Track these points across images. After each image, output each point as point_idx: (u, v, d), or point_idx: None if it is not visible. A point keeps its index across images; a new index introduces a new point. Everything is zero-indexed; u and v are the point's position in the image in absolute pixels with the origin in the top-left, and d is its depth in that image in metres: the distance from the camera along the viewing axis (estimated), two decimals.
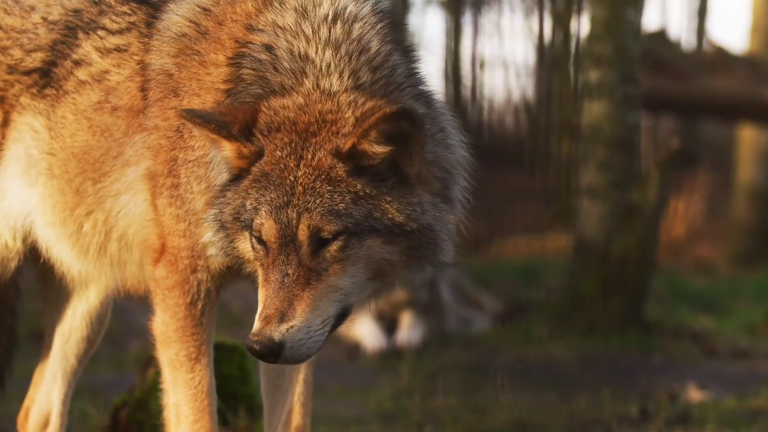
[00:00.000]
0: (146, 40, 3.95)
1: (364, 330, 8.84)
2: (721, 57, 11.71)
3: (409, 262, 3.51)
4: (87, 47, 4.03)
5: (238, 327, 8.29)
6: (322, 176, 3.44)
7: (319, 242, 3.43)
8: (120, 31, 4.02)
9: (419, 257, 3.50)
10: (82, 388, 5.52)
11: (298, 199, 3.43)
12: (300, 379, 4.01)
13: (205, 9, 3.83)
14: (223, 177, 3.61)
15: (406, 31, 3.78)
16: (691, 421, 6.11)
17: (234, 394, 5.14)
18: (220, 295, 3.89)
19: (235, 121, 3.53)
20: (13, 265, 4.23)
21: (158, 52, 3.88)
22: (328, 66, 3.57)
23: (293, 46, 3.61)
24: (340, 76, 3.56)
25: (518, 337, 8.58)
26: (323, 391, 6.52)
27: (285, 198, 3.45)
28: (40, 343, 4.60)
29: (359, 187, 3.44)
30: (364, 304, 3.61)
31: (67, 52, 4.06)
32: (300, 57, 3.59)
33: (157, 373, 4.00)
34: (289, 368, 3.99)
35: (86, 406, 5.86)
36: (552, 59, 16.71)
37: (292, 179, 3.45)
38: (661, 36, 11.88)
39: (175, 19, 3.87)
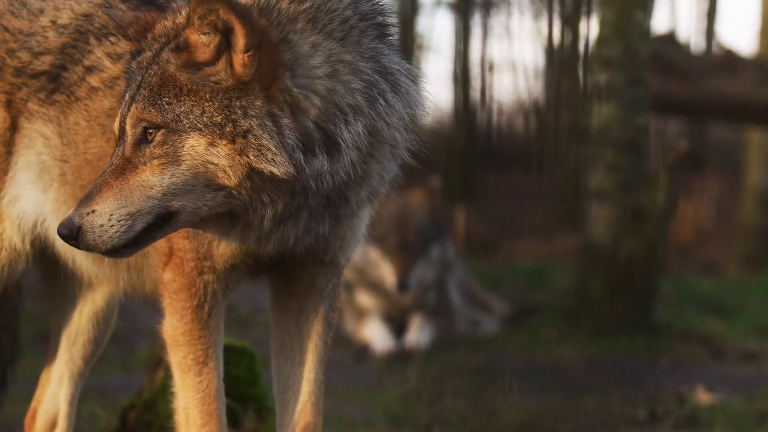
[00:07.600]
0: None
1: (373, 332, 8.84)
2: (730, 59, 11.68)
3: (244, 171, 3.42)
4: (99, 53, 4.04)
5: (246, 329, 8.31)
6: (160, 72, 3.46)
7: (142, 136, 3.45)
8: None
9: (249, 164, 3.41)
10: (90, 390, 5.53)
11: (135, 92, 3.48)
12: (311, 378, 4.00)
13: None
14: None
15: (387, 12, 3.71)
16: (700, 423, 6.10)
17: (242, 396, 5.13)
18: (228, 298, 3.90)
19: (135, 23, 3.60)
20: (20, 267, 4.24)
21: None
22: None
23: None
24: None
25: (526, 340, 8.57)
26: (331, 392, 6.51)
27: (130, 93, 3.51)
28: (46, 345, 4.60)
29: (183, 82, 3.44)
30: (202, 214, 3.49)
31: (78, 57, 4.06)
32: None
33: (166, 375, 4.01)
34: (299, 368, 3.99)
35: (95, 407, 5.86)
36: (561, 61, 16.71)
37: (141, 76, 3.50)
38: (669, 38, 11.85)
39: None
